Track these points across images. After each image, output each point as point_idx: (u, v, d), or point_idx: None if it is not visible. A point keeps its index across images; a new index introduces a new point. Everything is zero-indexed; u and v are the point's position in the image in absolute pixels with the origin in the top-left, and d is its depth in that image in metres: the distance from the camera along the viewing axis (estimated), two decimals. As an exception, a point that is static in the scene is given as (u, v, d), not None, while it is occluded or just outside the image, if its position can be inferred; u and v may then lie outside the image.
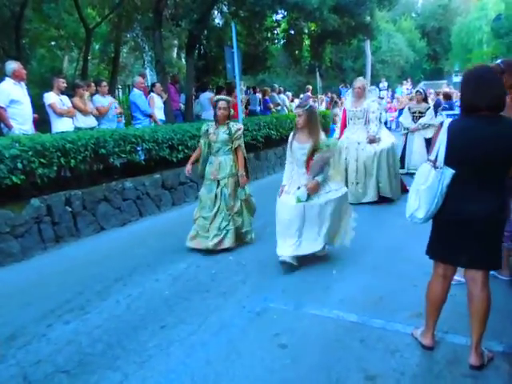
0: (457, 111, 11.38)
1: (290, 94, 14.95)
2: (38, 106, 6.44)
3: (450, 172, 2.31)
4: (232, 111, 10.05)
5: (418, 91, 8.79)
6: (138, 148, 6.24)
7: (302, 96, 16.56)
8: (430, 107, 8.52)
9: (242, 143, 4.73)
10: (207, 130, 4.67)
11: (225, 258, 4.43)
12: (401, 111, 11.95)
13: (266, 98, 11.98)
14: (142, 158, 6.34)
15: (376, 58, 27.91)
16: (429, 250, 2.58)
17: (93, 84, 7.53)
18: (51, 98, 6.22)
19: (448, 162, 2.33)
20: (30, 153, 4.69)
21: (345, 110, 6.75)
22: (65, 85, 6.44)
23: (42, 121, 6.47)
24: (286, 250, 3.88)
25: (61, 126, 6.23)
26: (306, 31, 16.18)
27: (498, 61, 2.42)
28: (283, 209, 3.96)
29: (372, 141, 6.31)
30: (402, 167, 8.09)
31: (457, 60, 32.63)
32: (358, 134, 6.46)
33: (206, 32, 13.04)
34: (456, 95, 16.04)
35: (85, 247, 5.08)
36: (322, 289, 3.60)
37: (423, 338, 2.66)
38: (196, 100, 10.17)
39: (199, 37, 11.49)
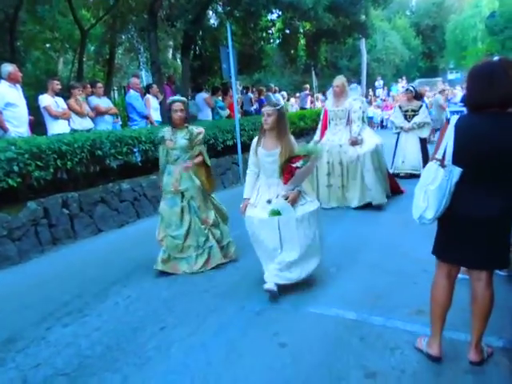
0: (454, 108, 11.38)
1: (284, 93, 14.97)
2: (34, 108, 6.42)
3: (458, 170, 2.25)
4: (228, 112, 10.06)
5: (408, 89, 8.36)
6: (135, 149, 6.23)
7: (298, 94, 16.60)
8: (422, 105, 8.18)
9: (204, 149, 4.28)
10: (163, 137, 4.16)
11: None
12: (398, 109, 11.86)
13: (262, 97, 11.96)
14: (139, 159, 6.33)
15: (371, 57, 27.95)
16: (435, 250, 2.51)
17: (88, 85, 7.51)
18: (46, 100, 6.19)
19: (455, 160, 2.27)
20: (27, 155, 4.67)
21: (326, 111, 6.38)
22: (59, 87, 6.41)
23: (37, 123, 6.45)
24: (271, 276, 3.39)
25: (57, 128, 6.21)
26: (302, 30, 16.21)
27: (496, 58, 2.37)
28: (253, 225, 3.47)
29: (354, 143, 5.90)
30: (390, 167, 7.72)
31: (452, 58, 32.73)
32: (339, 136, 6.07)
33: (201, 32, 13.04)
34: (451, 92, 16.11)
35: (82, 249, 5.07)
36: (321, 287, 3.60)
37: (429, 348, 2.52)
38: (192, 101, 10.16)
39: (194, 37, 11.50)
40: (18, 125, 5.55)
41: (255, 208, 3.49)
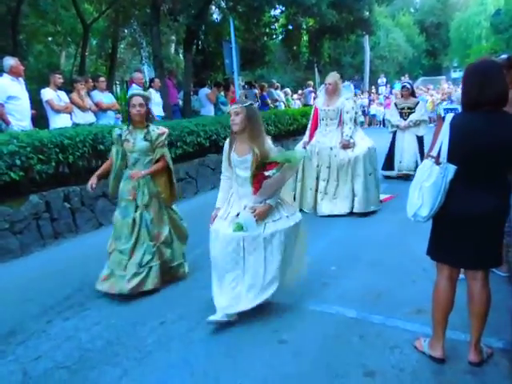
0: (453, 106, 11.36)
1: (288, 89, 14.93)
2: (36, 102, 6.41)
3: (452, 168, 2.26)
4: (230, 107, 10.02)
5: (404, 86, 7.91)
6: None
7: (300, 91, 16.57)
8: (419, 102, 7.81)
9: (167, 152, 3.74)
10: (120, 136, 3.61)
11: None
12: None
13: (264, 93, 11.95)
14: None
15: (374, 54, 27.89)
16: (430, 251, 2.51)
17: (90, 80, 7.50)
18: (48, 94, 6.19)
19: (450, 158, 2.28)
20: (29, 149, 4.67)
21: (316, 109, 5.89)
22: (61, 80, 6.40)
23: (40, 117, 6.45)
24: (222, 301, 2.98)
25: (59, 121, 6.21)
26: (305, 27, 16.14)
27: (504, 56, 2.35)
28: (216, 241, 3.03)
29: (345, 146, 5.52)
30: (392, 168, 7.63)
31: (456, 56, 32.65)
32: (330, 137, 5.65)
33: (203, 27, 12.99)
34: (454, 91, 16.07)
35: (84, 243, 5.07)
36: (321, 285, 3.60)
37: (432, 350, 2.50)
38: (194, 96, 10.15)
39: (197, 32, 11.45)
40: (21, 118, 5.55)
41: (224, 221, 3.04)
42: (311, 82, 15.49)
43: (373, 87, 22.40)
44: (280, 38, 16.68)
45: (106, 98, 7.20)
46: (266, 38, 15.33)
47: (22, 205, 4.72)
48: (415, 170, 7.97)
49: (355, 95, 16.23)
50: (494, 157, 2.22)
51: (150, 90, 8.15)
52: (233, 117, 3.00)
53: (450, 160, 2.28)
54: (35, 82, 9.58)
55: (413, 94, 7.89)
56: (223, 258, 2.98)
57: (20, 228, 4.69)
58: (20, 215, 4.68)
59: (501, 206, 2.30)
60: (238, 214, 2.99)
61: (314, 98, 15.56)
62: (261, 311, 3.18)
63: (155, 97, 8.11)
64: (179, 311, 3.25)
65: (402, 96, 7.92)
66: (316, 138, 5.79)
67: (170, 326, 3.06)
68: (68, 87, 6.84)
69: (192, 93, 10.17)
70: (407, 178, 7.23)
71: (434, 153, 2.34)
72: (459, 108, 2.48)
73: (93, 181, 3.64)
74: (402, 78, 23.17)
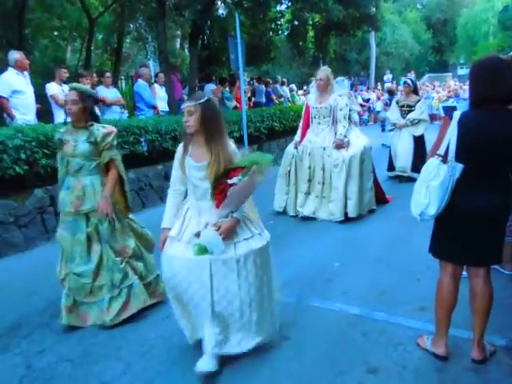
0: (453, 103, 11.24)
1: (294, 85, 14.88)
2: (41, 97, 6.42)
3: (460, 167, 2.25)
4: (236, 103, 10.04)
5: (405, 82, 7.47)
6: (142, 139, 6.23)
7: (306, 88, 16.51)
8: (420, 100, 7.34)
9: (118, 155, 3.15)
10: (60, 140, 3.08)
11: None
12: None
13: (269, 89, 11.94)
14: (145, 149, 6.34)
15: (380, 50, 27.73)
16: (433, 249, 2.50)
17: (94, 74, 7.50)
18: (53, 88, 6.19)
19: (457, 156, 2.26)
20: (34, 143, 4.69)
21: (308, 107, 5.53)
22: (67, 75, 6.40)
23: (45, 111, 6.46)
24: (206, 346, 2.43)
25: (63, 116, 6.20)
26: (311, 22, 16.10)
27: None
28: (173, 268, 2.41)
29: (339, 146, 5.16)
30: (393, 169, 7.30)
31: (462, 52, 32.41)
32: (323, 137, 5.29)
33: (209, 22, 12.97)
34: (460, 88, 15.95)
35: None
36: (325, 281, 3.60)
37: (435, 348, 2.50)
38: (199, 91, 10.13)
39: (203, 27, 11.43)
40: (25, 112, 5.56)
41: (179, 243, 2.44)
42: (318, 78, 15.43)
43: (378, 84, 22.29)
44: (286, 33, 16.64)
45: (111, 93, 7.20)
46: (271, 34, 15.30)
47: (26, 199, 4.74)
48: (411, 172, 7.61)
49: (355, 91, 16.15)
50: (501, 156, 2.21)
51: (155, 84, 8.15)
52: (186, 117, 2.42)
53: (457, 158, 2.27)
54: (40, 77, 9.61)
55: (415, 91, 7.42)
56: (184, 290, 2.41)
57: (25, 222, 4.71)
58: (25, 209, 4.70)
59: (503, 203, 2.30)
60: (198, 234, 2.39)
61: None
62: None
63: (160, 92, 8.11)
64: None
65: (404, 93, 7.48)
66: (308, 137, 5.42)
67: (173, 321, 3.06)
68: (73, 82, 6.84)
69: (197, 88, 10.16)
70: (401, 179, 7.05)
71: (441, 151, 2.32)
72: (458, 106, 2.46)
73: None
74: (408, 74, 23.07)
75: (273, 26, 15.14)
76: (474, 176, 2.27)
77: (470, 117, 2.29)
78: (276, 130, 9.97)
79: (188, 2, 10.15)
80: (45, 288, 3.64)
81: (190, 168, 2.48)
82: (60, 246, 3.11)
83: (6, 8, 11.17)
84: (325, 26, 15.18)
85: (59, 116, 6.23)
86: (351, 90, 16.60)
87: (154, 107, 7.79)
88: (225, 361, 2.51)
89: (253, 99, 11.45)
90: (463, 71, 29.95)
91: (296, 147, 5.47)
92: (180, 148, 2.59)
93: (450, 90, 17.57)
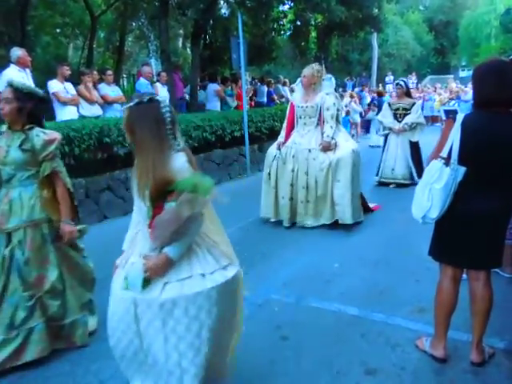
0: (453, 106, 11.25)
1: (294, 86, 14.87)
2: (43, 94, 6.43)
3: (463, 169, 2.24)
4: (237, 102, 10.04)
5: (398, 84, 7.04)
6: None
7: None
8: (415, 103, 6.98)
9: (61, 166, 2.70)
10: None
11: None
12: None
13: (271, 89, 11.95)
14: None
15: (382, 51, 27.70)
16: (433, 251, 2.49)
17: (95, 72, 7.50)
18: (55, 86, 6.20)
19: (460, 158, 2.25)
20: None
21: (292, 106, 5.18)
22: (69, 72, 6.41)
23: (46, 109, 6.46)
24: None
25: (65, 114, 6.22)
26: (313, 23, 16.08)
27: None
28: (111, 302, 2.09)
29: (326, 148, 4.84)
30: (377, 174, 7.00)
31: (464, 54, 32.42)
32: (308, 138, 4.97)
33: (211, 22, 12.99)
34: (462, 90, 15.94)
35: (87, 236, 5.03)
36: (324, 282, 3.60)
37: (434, 350, 2.49)
38: (201, 91, 10.14)
39: (205, 26, 11.43)
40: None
41: (122, 271, 2.04)
42: (322, 78, 15.45)
43: (380, 85, 22.28)
44: (288, 33, 16.63)
45: (112, 91, 7.20)
46: (273, 34, 15.28)
47: None
48: (411, 179, 7.46)
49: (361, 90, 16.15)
50: (496, 155, 2.20)
51: (157, 83, 8.15)
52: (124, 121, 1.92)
53: (460, 161, 2.25)
54: (42, 74, 9.61)
55: (408, 93, 7.01)
56: (113, 330, 2.01)
57: None
58: None
59: (504, 207, 2.30)
60: (132, 264, 1.97)
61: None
62: (262, 308, 3.19)
63: (161, 91, 8.11)
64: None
65: (396, 95, 7.16)
66: (292, 138, 5.07)
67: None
68: (75, 79, 6.85)
69: (199, 87, 10.17)
70: (401, 187, 6.67)
71: (444, 154, 2.31)
72: (459, 109, 2.46)
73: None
74: (410, 75, 23.06)
75: (275, 26, 15.12)
76: (475, 179, 2.26)
77: (472, 119, 2.28)
78: (277, 130, 9.93)
79: (191, 1, 10.15)
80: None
81: (133, 186, 1.98)
82: None
83: (9, 5, 11.18)
84: (327, 27, 15.18)
85: (61, 114, 6.25)
86: (354, 90, 16.69)
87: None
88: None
89: (254, 99, 11.46)
90: (465, 73, 29.99)
91: (279, 148, 5.11)
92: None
93: (451, 92, 17.56)
